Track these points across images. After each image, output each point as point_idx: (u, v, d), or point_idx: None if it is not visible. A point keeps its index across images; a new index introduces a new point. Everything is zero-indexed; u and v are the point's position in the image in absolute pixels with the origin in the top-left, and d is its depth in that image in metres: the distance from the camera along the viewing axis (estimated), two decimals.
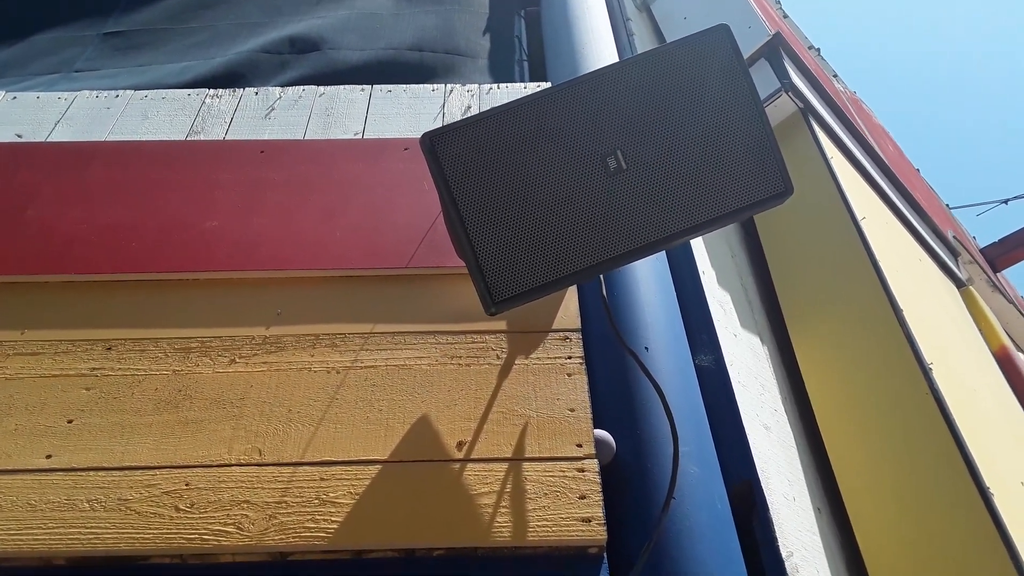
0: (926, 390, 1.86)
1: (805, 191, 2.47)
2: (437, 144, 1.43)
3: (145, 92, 2.44)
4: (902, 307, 2.07)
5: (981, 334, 3.73)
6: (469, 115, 2.32)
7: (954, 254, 4.09)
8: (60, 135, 2.27)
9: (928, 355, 1.98)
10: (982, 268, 5.04)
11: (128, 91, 2.44)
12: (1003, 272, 6.80)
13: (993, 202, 7.72)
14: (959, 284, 3.88)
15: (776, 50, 2.86)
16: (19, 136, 2.26)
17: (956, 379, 2.21)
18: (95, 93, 2.44)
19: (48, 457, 1.48)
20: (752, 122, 1.44)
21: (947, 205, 7.21)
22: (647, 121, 1.43)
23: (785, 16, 5.91)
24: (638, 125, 1.43)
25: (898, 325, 2.01)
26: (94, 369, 1.64)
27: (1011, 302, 5.26)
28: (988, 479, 1.73)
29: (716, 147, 1.42)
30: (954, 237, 4.71)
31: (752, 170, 1.43)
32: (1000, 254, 6.63)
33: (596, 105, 1.43)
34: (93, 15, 3.15)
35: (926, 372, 1.89)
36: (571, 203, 1.41)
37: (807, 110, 2.77)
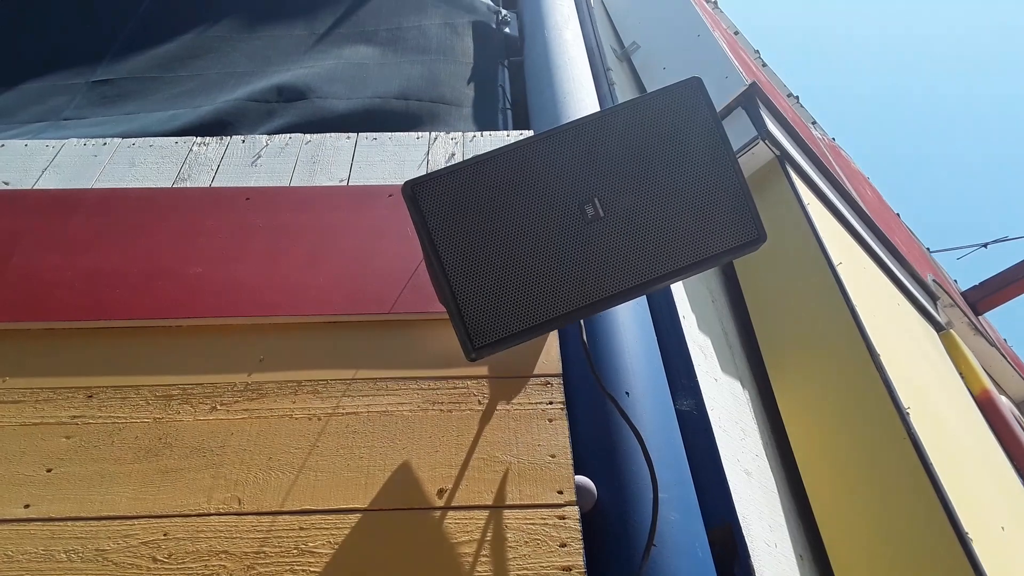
0: (903, 435, 1.88)
1: (783, 237, 2.52)
2: (418, 192, 1.45)
3: (133, 140, 2.47)
4: (879, 352, 2.10)
5: (962, 378, 3.76)
6: (452, 163, 2.37)
7: (933, 298, 4.15)
8: (47, 182, 2.28)
9: (906, 400, 2.00)
10: (963, 311, 5.10)
11: (116, 139, 2.47)
12: (985, 315, 6.88)
13: (973, 246, 7.83)
14: (938, 328, 3.92)
15: (752, 99, 2.94)
16: (6, 183, 2.28)
17: (934, 423, 2.23)
18: (83, 141, 2.46)
19: (26, 507, 1.47)
20: (725, 171, 1.48)
21: (927, 249, 7.32)
22: (623, 170, 1.46)
23: (764, 65, 6.05)
24: (614, 174, 1.46)
25: (875, 370, 2.03)
26: (75, 417, 1.63)
27: (993, 345, 5.31)
28: (967, 523, 1.74)
29: (690, 195, 1.45)
30: (934, 281, 4.77)
31: (726, 217, 1.47)
32: (981, 297, 6.71)
33: (573, 154, 1.47)
34: (81, 64, 3.20)
35: (903, 417, 1.92)
36: (550, 250, 1.44)
37: (783, 157, 2.84)
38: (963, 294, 6.70)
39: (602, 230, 1.45)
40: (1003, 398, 4.51)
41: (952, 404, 2.82)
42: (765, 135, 2.78)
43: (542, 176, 1.45)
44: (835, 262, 2.37)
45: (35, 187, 2.27)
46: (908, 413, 1.95)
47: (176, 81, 3.08)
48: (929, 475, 1.80)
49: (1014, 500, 2.66)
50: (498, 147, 1.48)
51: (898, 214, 6.92)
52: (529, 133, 2.58)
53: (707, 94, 1.48)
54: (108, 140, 2.47)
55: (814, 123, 6.28)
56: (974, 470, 2.35)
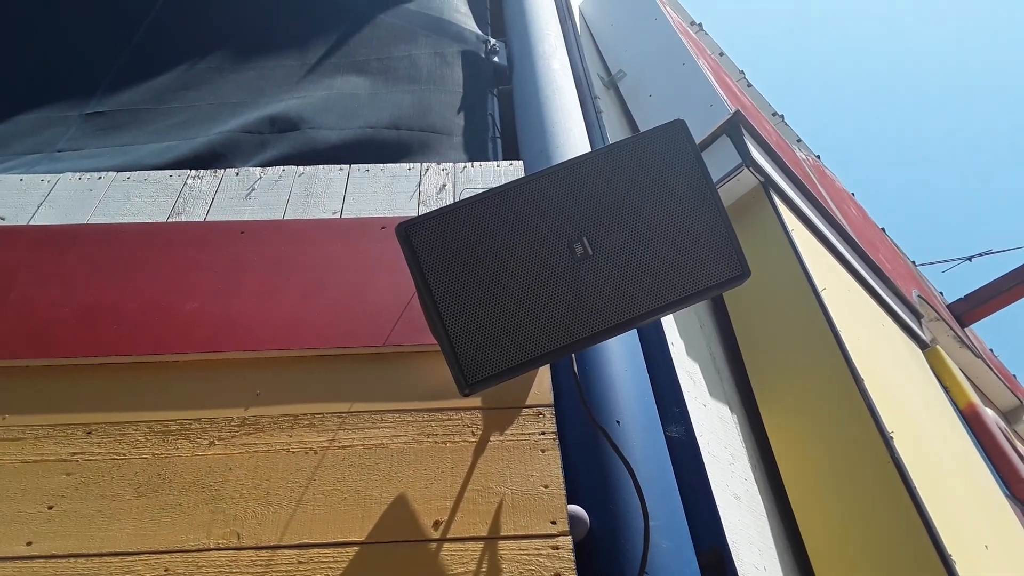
0: (887, 459, 1.93)
1: (768, 263, 2.57)
2: (412, 233, 1.50)
3: (127, 173, 2.50)
4: (863, 376, 2.15)
5: (947, 394, 3.81)
6: (443, 198, 2.41)
7: (918, 316, 4.22)
8: (43, 217, 2.31)
9: (889, 423, 2.05)
10: (948, 324, 5.17)
11: (111, 173, 2.50)
12: (971, 327, 6.97)
13: (958, 259, 7.95)
14: (923, 346, 3.99)
15: (736, 127, 3.00)
16: (2, 219, 2.31)
17: (918, 445, 2.28)
18: (78, 175, 2.50)
19: (28, 544, 1.50)
20: (709, 209, 1.53)
21: (913, 262, 7.41)
22: (610, 210, 1.51)
23: (749, 85, 6.14)
24: (602, 214, 1.51)
25: (859, 395, 2.08)
26: (74, 454, 1.66)
27: (979, 356, 5.38)
28: (950, 546, 1.78)
29: (675, 234, 1.50)
30: (919, 296, 4.84)
31: (711, 254, 1.52)
32: (966, 310, 6.80)
33: (562, 195, 1.52)
34: (75, 95, 3.23)
35: (887, 441, 1.96)
36: (541, 288, 1.49)
37: (768, 184, 2.90)
38: (949, 307, 6.78)
39: (591, 268, 1.49)
40: (988, 411, 4.57)
41: (937, 423, 2.87)
42: (749, 162, 2.84)
43: (532, 216, 1.50)
44: (819, 288, 2.42)
45: (31, 222, 2.30)
46: (892, 437, 1.99)
47: (170, 112, 3.11)
48: (913, 498, 1.85)
49: (997, 516, 2.71)
50: (489, 188, 1.53)
51: (883, 229, 7.01)
52: (519, 163, 2.62)
53: (690, 135, 1.53)
54: (103, 174, 2.51)
55: (799, 141, 6.37)
56: (958, 490, 2.39)
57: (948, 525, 1.90)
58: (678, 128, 1.54)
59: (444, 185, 2.51)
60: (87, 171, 2.54)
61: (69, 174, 2.50)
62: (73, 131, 3.08)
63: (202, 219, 2.33)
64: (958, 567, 1.73)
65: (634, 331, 2.19)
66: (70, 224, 2.28)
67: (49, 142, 3.02)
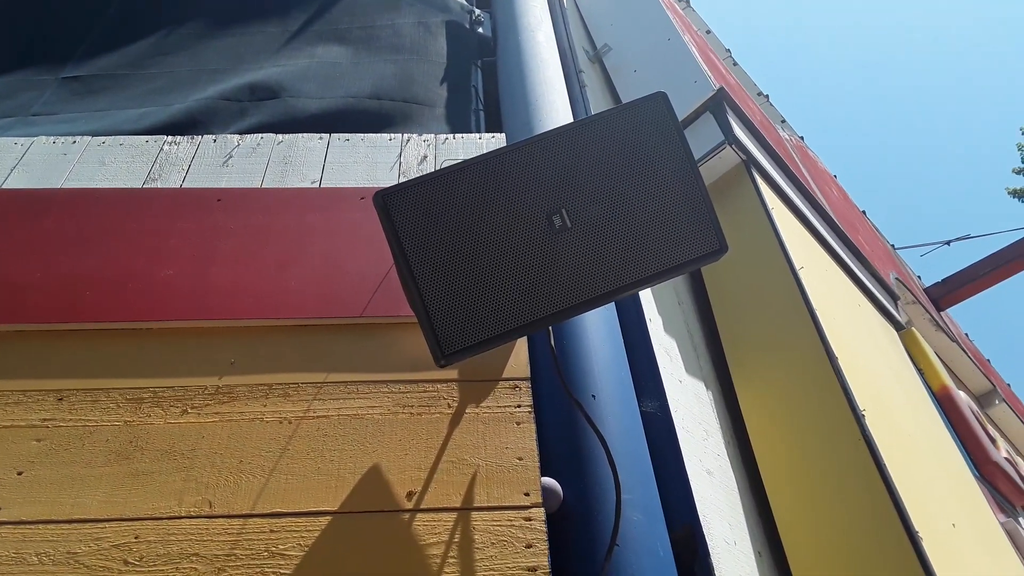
0: (859, 436, 1.95)
1: (747, 241, 2.58)
2: (389, 202, 1.48)
3: (103, 138, 2.46)
4: (837, 355, 2.17)
5: (921, 375, 3.86)
6: (423, 170, 2.39)
7: (894, 298, 4.26)
8: (16, 181, 2.27)
9: (862, 402, 2.07)
10: (925, 308, 5.22)
11: (85, 137, 2.46)
12: (947, 311, 7.04)
13: (936, 243, 8.02)
14: (898, 327, 4.03)
15: (720, 104, 2.99)
16: None
17: (890, 424, 2.31)
18: (52, 139, 2.45)
19: None
20: (688, 183, 1.52)
21: (892, 245, 7.46)
22: (590, 182, 1.50)
23: (735, 64, 6.12)
24: (582, 186, 1.50)
25: (833, 373, 2.10)
26: (45, 420, 1.64)
27: (954, 340, 5.44)
28: (918, 523, 1.81)
29: (654, 207, 1.50)
30: (896, 279, 4.88)
31: (689, 229, 1.51)
32: (943, 294, 6.86)
33: (542, 166, 1.51)
34: (52, 59, 3.16)
35: (859, 419, 1.98)
36: (518, 259, 1.48)
37: (749, 162, 2.90)
38: (926, 290, 6.85)
39: (569, 240, 1.49)
40: (961, 393, 4.64)
41: (909, 403, 2.91)
42: (732, 140, 2.84)
43: (511, 187, 1.49)
44: (797, 266, 2.43)
45: (3, 186, 2.26)
46: (864, 415, 2.02)
47: (147, 78, 3.06)
48: (882, 476, 1.87)
49: (966, 496, 2.76)
50: (469, 158, 1.52)
51: (864, 211, 7.05)
52: (501, 136, 2.60)
53: (672, 109, 1.52)
54: (78, 138, 2.46)
55: (783, 122, 6.37)
56: (928, 469, 2.43)
57: (917, 503, 1.93)
58: (659, 100, 1.53)
59: (425, 156, 2.49)
60: (62, 135, 2.49)
61: (43, 138, 2.45)
62: (48, 95, 3.02)
63: (178, 186, 2.30)
64: (925, 544, 1.76)
65: (612, 306, 2.19)
66: (44, 188, 2.24)
67: (24, 106, 2.96)
